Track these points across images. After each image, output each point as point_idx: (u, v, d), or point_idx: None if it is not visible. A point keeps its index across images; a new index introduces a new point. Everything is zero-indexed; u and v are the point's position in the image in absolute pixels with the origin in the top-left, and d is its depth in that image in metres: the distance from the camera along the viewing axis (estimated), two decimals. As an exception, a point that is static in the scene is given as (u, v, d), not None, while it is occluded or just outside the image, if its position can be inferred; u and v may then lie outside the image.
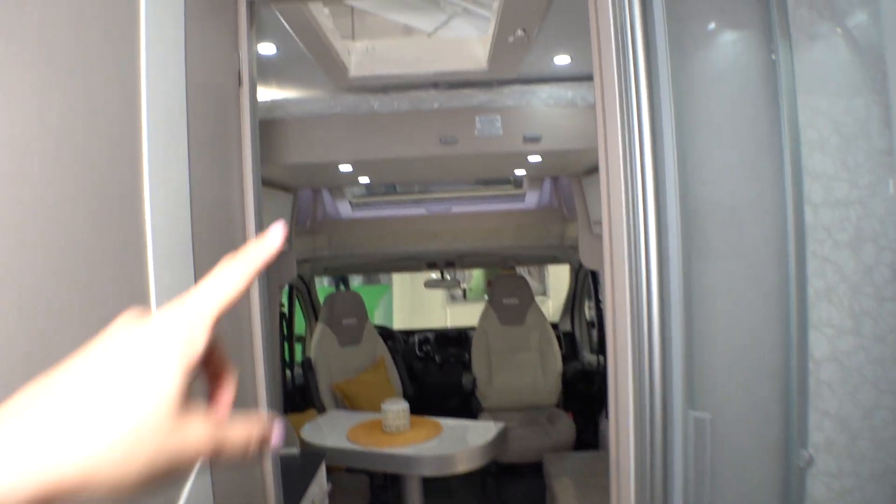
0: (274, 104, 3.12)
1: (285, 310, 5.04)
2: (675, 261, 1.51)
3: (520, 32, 2.26)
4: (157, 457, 0.40)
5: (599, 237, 4.71)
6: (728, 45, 1.60)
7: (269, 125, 3.15)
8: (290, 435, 3.15)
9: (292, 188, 4.48)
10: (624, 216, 1.57)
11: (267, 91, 3.16)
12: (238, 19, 1.68)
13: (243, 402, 1.71)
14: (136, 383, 0.40)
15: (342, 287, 11.62)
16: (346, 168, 3.54)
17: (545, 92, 3.06)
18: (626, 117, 1.56)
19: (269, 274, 4.66)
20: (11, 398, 0.39)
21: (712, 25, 1.60)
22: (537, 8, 2.11)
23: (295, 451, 3.12)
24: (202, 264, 1.35)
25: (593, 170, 4.17)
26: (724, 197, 1.57)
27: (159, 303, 1.13)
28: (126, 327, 0.42)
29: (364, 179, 4.24)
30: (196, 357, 0.42)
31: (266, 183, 4.00)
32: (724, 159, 1.56)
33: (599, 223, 4.18)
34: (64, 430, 0.38)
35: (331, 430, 4.03)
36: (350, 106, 3.09)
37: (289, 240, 4.45)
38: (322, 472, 3.11)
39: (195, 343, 0.42)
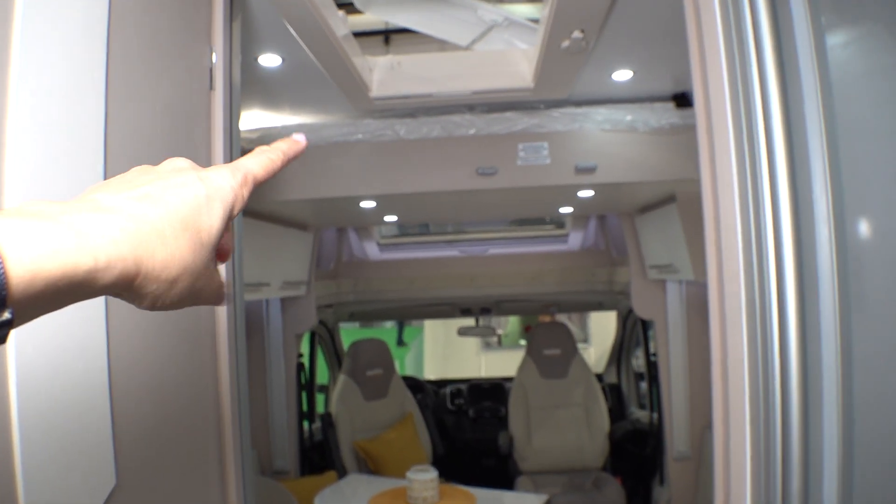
0: (285, 129, 2.73)
1: (305, 360, 4.61)
2: (828, 326, 1.04)
3: (577, 34, 1.83)
4: (200, 253, 0.46)
5: (656, 283, 4.25)
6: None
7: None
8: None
9: (312, 227, 4.08)
10: (741, 266, 1.11)
11: (278, 116, 2.78)
12: (213, 5, 1.28)
13: (202, 459, 1.27)
14: (198, 194, 0.47)
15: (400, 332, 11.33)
16: (368, 204, 3.12)
17: (601, 114, 2.62)
18: (743, 135, 1.12)
19: (286, 320, 4.25)
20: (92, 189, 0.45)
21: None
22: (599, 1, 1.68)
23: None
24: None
25: (649, 207, 3.70)
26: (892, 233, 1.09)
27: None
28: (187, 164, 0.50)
29: (391, 218, 3.82)
30: (235, 210, 0.50)
31: (282, 221, 3.61)
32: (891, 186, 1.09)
33: (657, 267, 3.70)
34: (140, 205, 0.43)
35: (349, 501, 3.55)
36: (373, 132, 2.69)
37: (307, 284, 4.05)
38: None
39: (237, 202, 0.50)
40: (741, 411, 1.13)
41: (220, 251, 0.52)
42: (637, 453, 4.91)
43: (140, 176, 0.46)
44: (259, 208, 3.17)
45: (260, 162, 0.53)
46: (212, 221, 0.46)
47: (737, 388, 1.15)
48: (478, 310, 5.46)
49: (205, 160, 1.25)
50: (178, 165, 0.48)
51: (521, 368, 5.11)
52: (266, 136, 2.78)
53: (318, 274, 4.45)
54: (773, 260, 1.08)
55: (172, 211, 0.44)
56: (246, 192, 0.50)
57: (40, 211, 0.39)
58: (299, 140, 0.57)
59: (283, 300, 4.16)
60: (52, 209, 0.39)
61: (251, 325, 4.17)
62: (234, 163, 0.52)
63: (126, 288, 0.42)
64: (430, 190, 2.70)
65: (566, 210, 3.84)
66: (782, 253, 1.07)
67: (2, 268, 0.34)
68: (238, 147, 1.42)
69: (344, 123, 2.70)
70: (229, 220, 0.49)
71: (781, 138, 1.09)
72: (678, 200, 3.18)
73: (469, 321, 5.80)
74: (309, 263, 4.12)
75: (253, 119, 2.81)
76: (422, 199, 2.99)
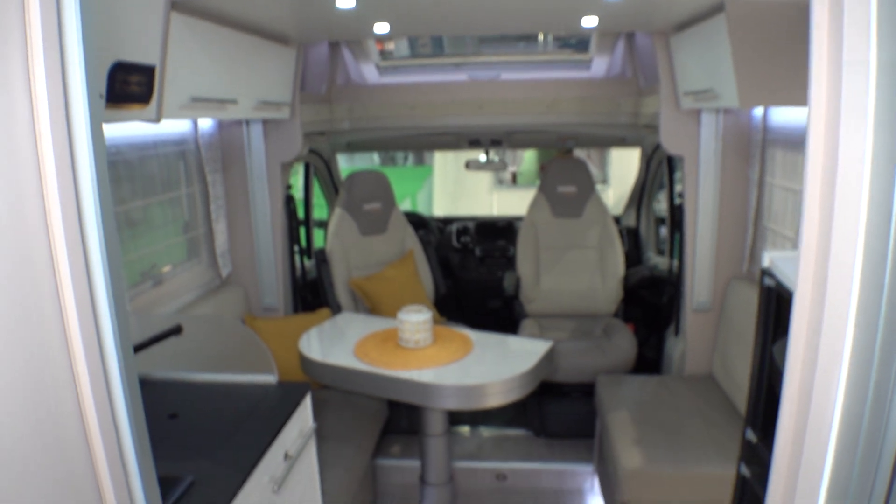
0: None
1: (295, 192, 4.22)
2: None
3: None
4: None
5: (688, 114, 3.74)
6: None
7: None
8: (265, 360, 2.42)
9: (295, 41, 3.54)
10: (871, 94, 0.66)
11: None
12: None
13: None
14: None
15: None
16: (345, 4, 2.58)
17: None
18: None
19: (269, 147, 3.83)
20: None
21: None
22: None
23: (272, 379, 2.39)
24: None
25: (689, 23, 3.12)
26: None
27: None
28: None
29: (382, 27, 3.26)
30: None
31: (258, 32, 3.09)
32: None
33: (692, 94, 3.17)
34: None
35: (337, 340, 3.29)
36: None
37: (290, 107, 3.60)
38: (306, 408, 2.38)
39: None
40: (845, 297, 0.72)
41: None
42: (652, 301, 4.62)
43: None
44: (225, 10, 2.66)
45: None
46: None
47: (842, 263, 0.73)
48: (487, 141, 4.98)
49: None
50: None
51: (533, 206, 4.72)
52: None
53: (306, 97, 3.97)
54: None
55: None
56: None
57: None
58: None
59: (266, 125, 3.72)
60: None
61: (231, 153, 3.77)
62: None
63: None
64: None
65: (590, 22, 3.25)
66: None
67: None
68: None
69: None
70: None
71: None
72: (728, 10, 2.63)
73: (478, 154, 5.34)
74: (292, 83, 3.62)
75: None
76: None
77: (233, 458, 1.88)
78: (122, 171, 3.08)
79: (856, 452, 0.69)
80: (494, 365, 2.96)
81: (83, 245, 0.88)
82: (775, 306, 1.51)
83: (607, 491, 3.47)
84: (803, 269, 0.84)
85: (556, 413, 4.22)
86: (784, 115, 3.18)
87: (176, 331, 2.30)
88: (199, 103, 2.62)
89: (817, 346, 0.77)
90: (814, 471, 0.72)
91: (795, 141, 3.05)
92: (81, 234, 0.88)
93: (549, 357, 3.05)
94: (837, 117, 0.73)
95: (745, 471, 1.68)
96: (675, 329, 4.04)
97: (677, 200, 3.99)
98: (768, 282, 1.50)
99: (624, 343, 4.13)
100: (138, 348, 2.21)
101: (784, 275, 1.39)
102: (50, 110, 0.88)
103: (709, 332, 3.73)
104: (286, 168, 3.95)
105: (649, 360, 4.46)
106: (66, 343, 0.90)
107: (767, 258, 1.54)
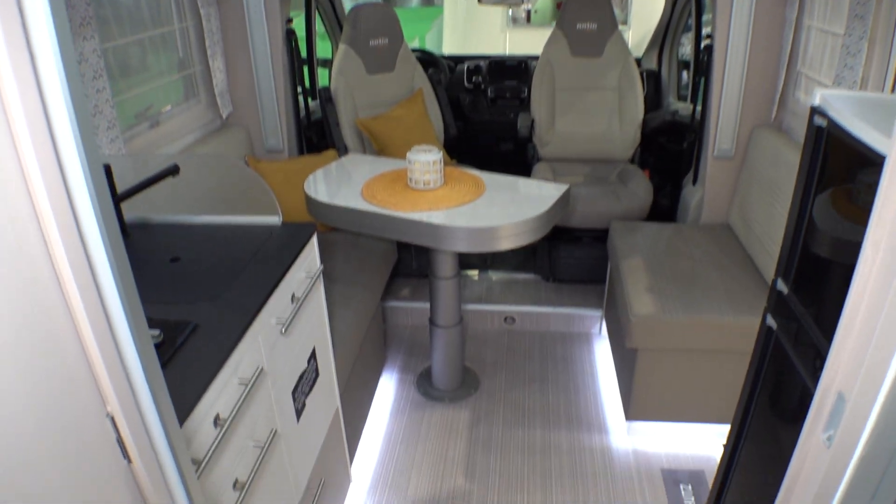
0: None
1: (296, 27, 3.94)
2: None
3: None
4: None
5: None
6: None
7: None
8: (269, 201, 2.31)
9: None
10: None
11: None
12: None
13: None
14: None
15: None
16: None
17: None
18: None
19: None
20: None
21: None
22: None
23: (276, 220, 2.30)
24: None
25: None
26: None
27: None
28: None
29: None
30: None
31: None
32: None
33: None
34: None
35: (344, 182, 3.18)
36: None
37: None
38: (312, 249, 2.31)
39: None
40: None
41: None
42: (671, 148, 4.44)
43: None
44: None
45: None
46: None
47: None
48: (503, -28, 4.61)
49: None
50: None
51: (550, 43, 4.42)
52: None
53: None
54: None
55: None
56: None
57: None
58: None
59: (261, -54, 3.40)
60: None
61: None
62: None
63: None
64: None
65: None
66: None
67: None
68: None
69: None
70: None
71: None
72: None
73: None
74: None
75: None
76: None
77: (238, 300, 1.82)
78: (108, 11, 2.84)
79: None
80: (507, 208, 2.86)
81: (31, 59, 0.73)
82: (823, 150, 1.37)
83: (615, 336, 3.49)
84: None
85: (565, 258, 4.19)
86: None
87: (173, 171, 2.18)
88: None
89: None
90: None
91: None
92: (28, 48, 0.73)
93: (564, 201, 2.94)
94: None
95: (771, 321, 1.61)
96: (693, 177, 3.90)
97: (706, 41, 3.72)
98: (819, 121, 1.35)
99: (639, 189, 4.01)
100: (135, 191, 2.11)
101: (842, 115, 1.24)
102: None
103: (728, 181, 3.60)
104: (286, 0, 3.65)
105: (663, 208, 4.36)
106: (24, 180, 0.77)
107: (819, 95, 1.38)
